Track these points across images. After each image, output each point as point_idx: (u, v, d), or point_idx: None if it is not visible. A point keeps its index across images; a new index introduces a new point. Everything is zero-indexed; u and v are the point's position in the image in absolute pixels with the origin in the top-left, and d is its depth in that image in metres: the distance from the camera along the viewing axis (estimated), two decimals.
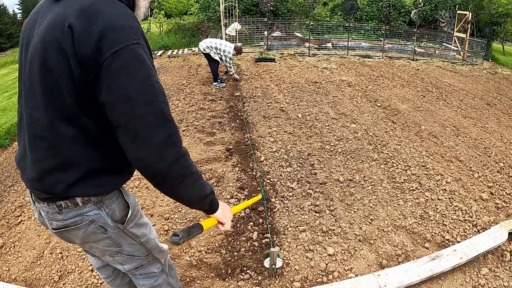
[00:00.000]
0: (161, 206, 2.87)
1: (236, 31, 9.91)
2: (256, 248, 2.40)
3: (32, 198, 1.15)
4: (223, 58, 6.19)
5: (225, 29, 9.54)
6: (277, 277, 2.17)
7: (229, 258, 2.32)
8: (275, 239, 2.51)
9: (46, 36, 0.93)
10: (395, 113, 5.25)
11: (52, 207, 1.07)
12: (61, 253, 2.38)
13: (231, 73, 6.60)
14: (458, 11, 11.03)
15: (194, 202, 1.11)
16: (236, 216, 2.75)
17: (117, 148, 1.00)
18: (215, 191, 3.06)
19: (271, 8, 9.08)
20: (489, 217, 2.86)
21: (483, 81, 7.93)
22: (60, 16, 0.92)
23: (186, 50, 9.82)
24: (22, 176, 1.15)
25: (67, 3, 0.93)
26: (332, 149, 3.94)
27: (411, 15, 11.07)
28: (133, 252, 1.27)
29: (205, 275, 2.18)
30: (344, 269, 2.27)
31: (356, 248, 2.45)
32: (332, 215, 2.80)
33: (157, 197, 2.98)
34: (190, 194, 1.06)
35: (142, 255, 1.31)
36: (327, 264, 2.29)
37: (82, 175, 1.04)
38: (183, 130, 4.41)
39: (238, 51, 6.31)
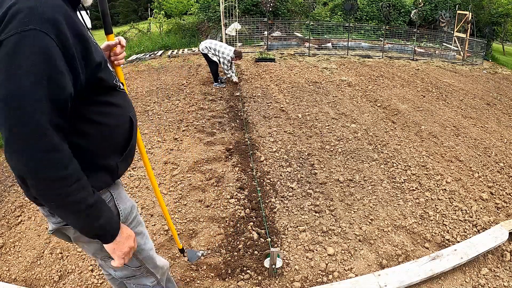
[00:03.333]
0: None
1: (236, 31, 9.90)
2: (256, 248, 2.40)
3: None
4: (221, 60, 6.09)
5: (225, 29, 9.54)
6: (277, 277, 2.17)
7: (229, 258, 2.32)
8: (275, 239, 2.51)
9: None
10: (395, 113, 5.24)
11: (45, 209, 1.07)
12: (61, 253, 2.38)
13: (228, 75, 6.41)
14: (458, 11, 11.02)
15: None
16: (236, 216, 2.75)
17: (84, 148, 0.97)
18: (215, 191, 3.07)
19: (270, 8, 9.05)
20: (489, 217, 2.86)
21: (483, 81, 7.93)
22: None
23: (186, 50, 9.81)
24: None
25: None
26: (332, 149, 3.94)
27: (411, 15, 11.06)
28: None
29: (205, 275, 2.18)
30: (344, 269, 2.27)
31: (356, 248, 2.45)
32: (332, 215, 2.80)
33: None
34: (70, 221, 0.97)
35: (133, 265, 1.26)
36: (327, 264, 2.29)
37: None
38: (183, 130, 4.41)
39: (237, 55, 6.06)
